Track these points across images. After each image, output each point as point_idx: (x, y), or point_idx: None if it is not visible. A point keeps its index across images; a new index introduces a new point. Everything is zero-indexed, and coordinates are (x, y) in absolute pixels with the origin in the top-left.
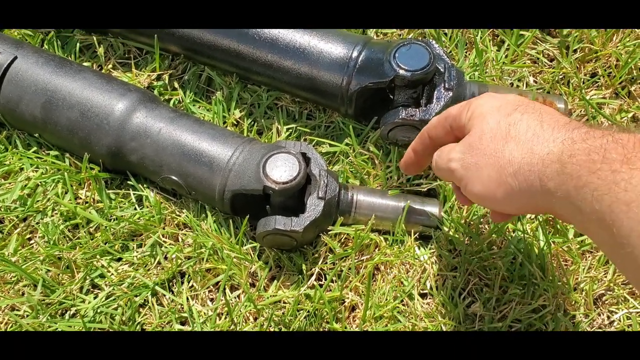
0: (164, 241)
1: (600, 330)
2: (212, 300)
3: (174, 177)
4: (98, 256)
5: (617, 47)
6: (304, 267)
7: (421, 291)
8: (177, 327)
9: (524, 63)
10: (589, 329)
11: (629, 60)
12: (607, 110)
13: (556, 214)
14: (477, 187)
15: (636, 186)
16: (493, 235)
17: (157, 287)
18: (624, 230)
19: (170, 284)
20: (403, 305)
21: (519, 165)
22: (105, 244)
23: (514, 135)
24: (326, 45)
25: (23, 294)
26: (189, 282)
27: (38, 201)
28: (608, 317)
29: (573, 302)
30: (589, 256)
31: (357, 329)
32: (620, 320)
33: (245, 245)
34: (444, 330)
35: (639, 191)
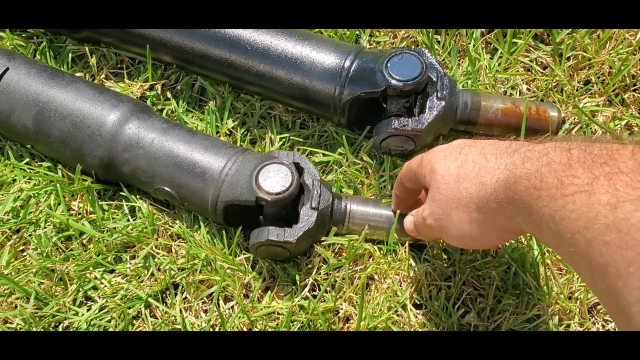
0: (157, 252)
1: None
2: (205, 311)
3: (166, 188)
4: (91, 268)
5: (610, 54)
6: (297, 277)
7: (415, 301)
8: None
9: (517, 71)
10: None
11: (622, 67)
12: (601, 117)
13: (528, 233)
14: (453, 231)
15: (571, 213)
16: None
17: (150, 299)
18: (576, 257)
19: (164, 295)
20: (397, 315)
21: (477, 199)
22: (98, 255)
23: (464, 174)
24: (318, 55)
25: (16, 307)
26: (182, 294)
27: (31, 213)
28: (603, 327)
29: (567, 312)
30: None
31: None
32: (614, 329)
33: (238, 256)
34: None
35: (575, 219)
